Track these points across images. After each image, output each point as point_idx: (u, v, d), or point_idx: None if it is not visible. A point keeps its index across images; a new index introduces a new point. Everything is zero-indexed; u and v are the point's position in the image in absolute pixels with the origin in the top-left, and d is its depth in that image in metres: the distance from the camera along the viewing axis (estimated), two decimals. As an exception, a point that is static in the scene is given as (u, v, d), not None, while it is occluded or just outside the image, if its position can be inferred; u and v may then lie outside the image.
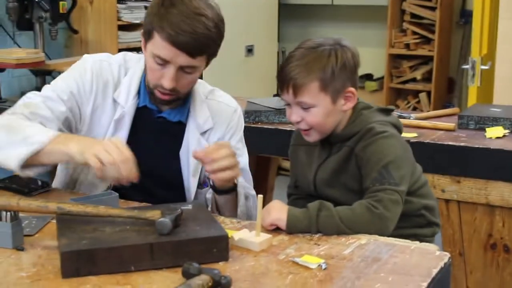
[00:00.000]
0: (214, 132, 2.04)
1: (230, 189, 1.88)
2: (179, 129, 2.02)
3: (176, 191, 2.00)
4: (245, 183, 2.00)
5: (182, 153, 2.01)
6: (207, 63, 1.94)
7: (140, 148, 1.97)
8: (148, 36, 1.86)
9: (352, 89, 1.81)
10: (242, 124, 2.13)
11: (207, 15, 1.82)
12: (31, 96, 1.95)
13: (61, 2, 3.86)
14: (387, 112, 1.90)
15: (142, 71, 2.01)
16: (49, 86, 1.98)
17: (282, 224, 1.64)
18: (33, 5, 3.78)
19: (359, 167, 1.79)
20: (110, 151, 1.67)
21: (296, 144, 2.00)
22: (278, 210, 1.66)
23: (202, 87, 2.09)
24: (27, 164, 1.78)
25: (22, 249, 1.51)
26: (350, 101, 1.82)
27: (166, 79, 1.85)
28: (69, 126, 1.98)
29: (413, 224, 1.86)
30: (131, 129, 1.99)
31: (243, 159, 2.07)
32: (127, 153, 1.69)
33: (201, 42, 1.81)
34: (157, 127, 2.01)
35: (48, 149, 1.77)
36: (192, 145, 2.00)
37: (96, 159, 1.67)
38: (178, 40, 1.78)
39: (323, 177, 1.87)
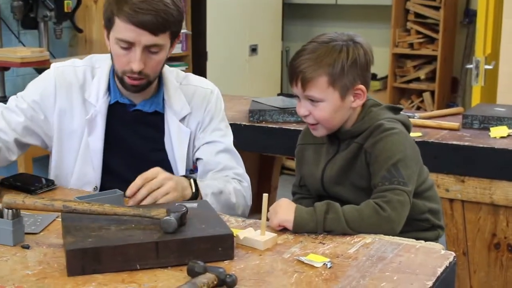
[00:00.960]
0: (193, 117, 2.05)
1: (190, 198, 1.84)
2: (158, 119, 2.03)
3: None
4: (209, 182, 1.94)
5: (166, 142, 2.03)
6: (172, 43, 1.94)
7: (122, 144, 1.99)
8: (109, 24, 1.88)
9: (361, 86, 1.80)
10: (221, 105, 2.12)
11: None
12: None
13: (65, 1, 3.87)
14: (396, 110, 1.89)
15: (109, 68, 2.02)
16: (14, 96, 2.04)
17: (289, 225, 1.64)
18: (38, 4, 3.80)
19: (367, 164, 1.78)
20: None
21: (304, 143, 1.99)
22: (285, 210, 1.66)
23: (175, 74, 2.09)
24: None
25: (27, 247, 1.51)
26: (359, 98, 1.81)
27: (134, 62, 1.86)
28: (35, 133, 2.01)
29: (417, 227, 1.85)
30: (108, 127, 2.00)
31: (227, 139, 2.08)
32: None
33: (162, 18, 1.82)
34: (134, 120, 2.02)
35: None
36: (174, 133, 2.02)
37: None
38: (138, 19, 1.80)
39: (331, 174, 1.86)
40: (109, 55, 2.01)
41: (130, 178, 1.73)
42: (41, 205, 1.52)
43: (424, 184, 1.88)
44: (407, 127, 1.86)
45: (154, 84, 2.01)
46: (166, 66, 2.05)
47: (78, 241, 1.41)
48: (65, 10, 3.89)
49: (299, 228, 1.64)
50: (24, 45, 3.93)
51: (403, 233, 1.71)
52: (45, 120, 2.01)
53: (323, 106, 1.78)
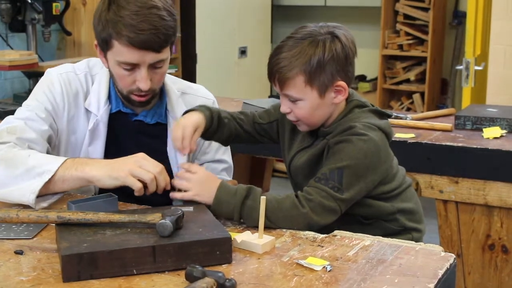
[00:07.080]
0: None
1: None
2: (160, 129, 2.01)
3: (168, 191, 1.96)
4: None
5: (170, 152, 2.00)
6: (170, 50, 1.90)
7: (124, 154, 1.92)
8: (106, 46, 1.82)
9: (341, 83, 1.73)
10: None
11: (157, 5, 1.78)
12: (11, 121, 1.89)
13: (54, 4, 3.84)
14: (382, 115, 1.81)
15: (108, 76, 1.97)
16: (22, 108, 1.94)
17: (207, 201, 1.66)
18: (26, 7, 3.76)
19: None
20: (144, 166, 1.68)
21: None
22: (208, 185, 1.67)
23: (178, 84, 2.08)
24: (39, 195, 1.73)
25: (21, 253, 1.48)
26: (341, 94, 1.75)
27: (142, 82, 1.83)
28: (50, 142, 1.94)
29: (385, 231, 1.78)
30: (110, 137, 1.96)
31: (229, 156, 2.13)
32: (157, 163, 1.70)
33: (163, 34, 1.78)
34: (136, 131, 1.99)
35: (59, 177, 1.73)
36: None
37: (135, 179, 1.67)
38: (140, 40, 1.75)
39: (298, 165, 1.83)
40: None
41: (129, 189, 1.70)
42: (35, 217, 1.51)
43: (396, 190, 1.81)
44: (387, 135, 1.78)
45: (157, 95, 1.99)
46: (167, 75, 2.01)
47: (73, 246, 1.38)
48: (54, 12, 3.86)
49: (218, 208, 1.65)
50: (12, 48, 3.89)
51: None
52: (57, 129, 1.94)
53: (302, 105, 1.74)
